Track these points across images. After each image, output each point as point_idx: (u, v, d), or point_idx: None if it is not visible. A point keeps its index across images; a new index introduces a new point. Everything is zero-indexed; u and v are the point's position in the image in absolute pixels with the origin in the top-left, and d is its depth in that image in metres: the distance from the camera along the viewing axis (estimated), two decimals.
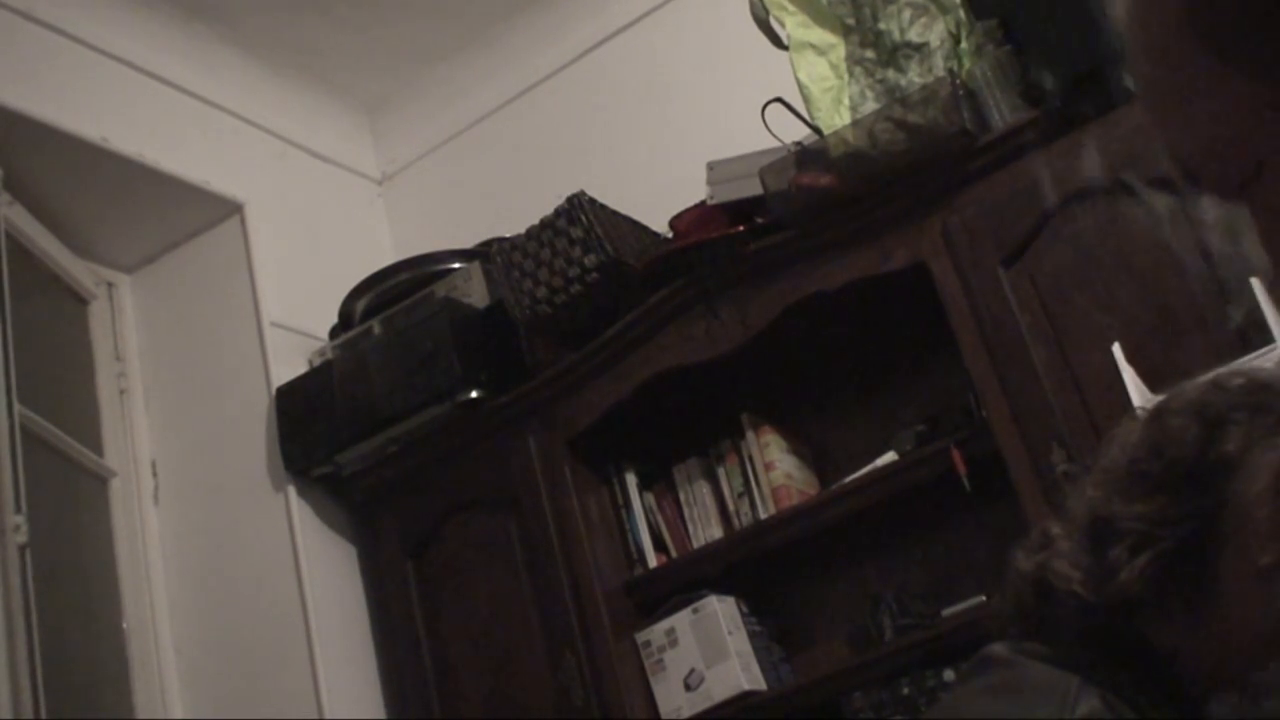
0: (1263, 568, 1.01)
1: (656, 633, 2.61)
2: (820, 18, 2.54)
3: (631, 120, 3.27)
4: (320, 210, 3.43)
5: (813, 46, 2.53)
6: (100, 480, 2.91)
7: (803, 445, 2.75)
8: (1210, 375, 1.13)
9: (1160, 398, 1.13)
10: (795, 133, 2.56)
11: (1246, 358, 1.20)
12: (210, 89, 3.21)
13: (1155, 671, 1.04)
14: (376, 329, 2.98)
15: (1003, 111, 2.35)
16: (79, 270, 3.05)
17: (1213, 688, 1.03)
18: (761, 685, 2.55)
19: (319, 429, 2.88)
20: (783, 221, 2.51)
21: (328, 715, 2.73)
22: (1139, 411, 1.16)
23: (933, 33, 2.44)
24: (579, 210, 2.67)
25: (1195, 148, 0.63)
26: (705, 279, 2.59)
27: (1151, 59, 0.63)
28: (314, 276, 3.23)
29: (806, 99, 2.52)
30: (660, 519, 2.76)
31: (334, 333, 3.11)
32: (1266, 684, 1.01)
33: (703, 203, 2.66)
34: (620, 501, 2.78)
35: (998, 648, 1.11)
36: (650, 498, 2.79)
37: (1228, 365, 1.17)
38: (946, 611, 2.49)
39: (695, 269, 2.59)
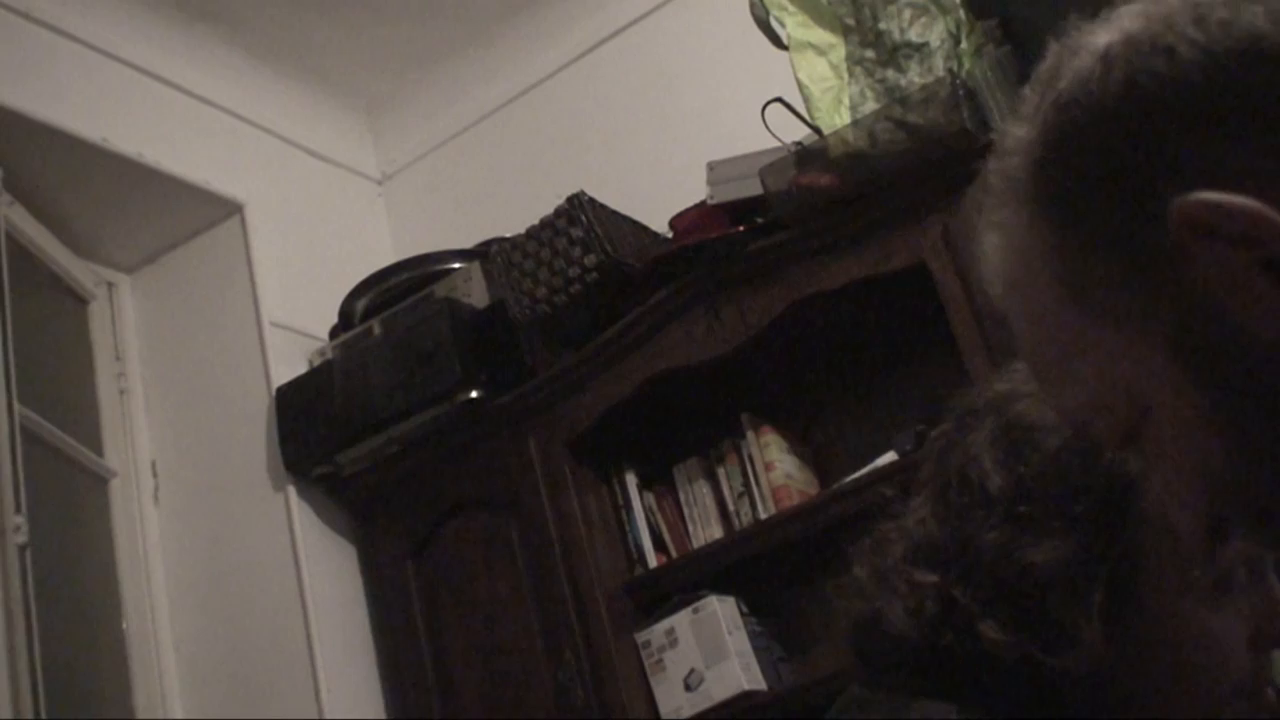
0: (1180, 583, 0.96)
1: (656, 633, 2.61)
2: (820, 18, 2.54)
3: (631, 120, 3.27)
4: (320, 210, 3.43)
5: (813, 46, 2.53)
6: (100, 480, 2.91)
7: (803, 445, 2.74)
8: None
9: (998, 404, 1.03)
10: (795, 133, 2.56)
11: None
12: (210, 89, 3.21)
13: (1058, 697, 0.97)
14: (376, 329, 2.98)
15: (1003, 111, 2.34)
16: (79, 270, 3.05)
17: (1132, 710, 0.98)
18: (761, 685, 2.55)
19: (319, 429, 2.88)
20: (783, 221, 2.51)
21: (328, 715, 2.73)
22: (968, 420, 1.04)
23: (933, 33, 2.44)
24: (579, 210, 2.67)
25: (1082, 404, 0.70)
26: (705, 279, 2.58)
27: (1032, 325, 0.71)
28: (314, 276, 3.23)
29: (806, 99, 2.52)
30: (660, 519, 2.76)
31: (334, 333, 3.11)
32: None
33: (703, 203, 2.66)
34: (620, 501, 2.77)
35: (859, 690, 1.03)
36: (650, 498, 2.79)
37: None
38: None
39: (695, 269, 2.59)
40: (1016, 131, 0.69)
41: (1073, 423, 0.71)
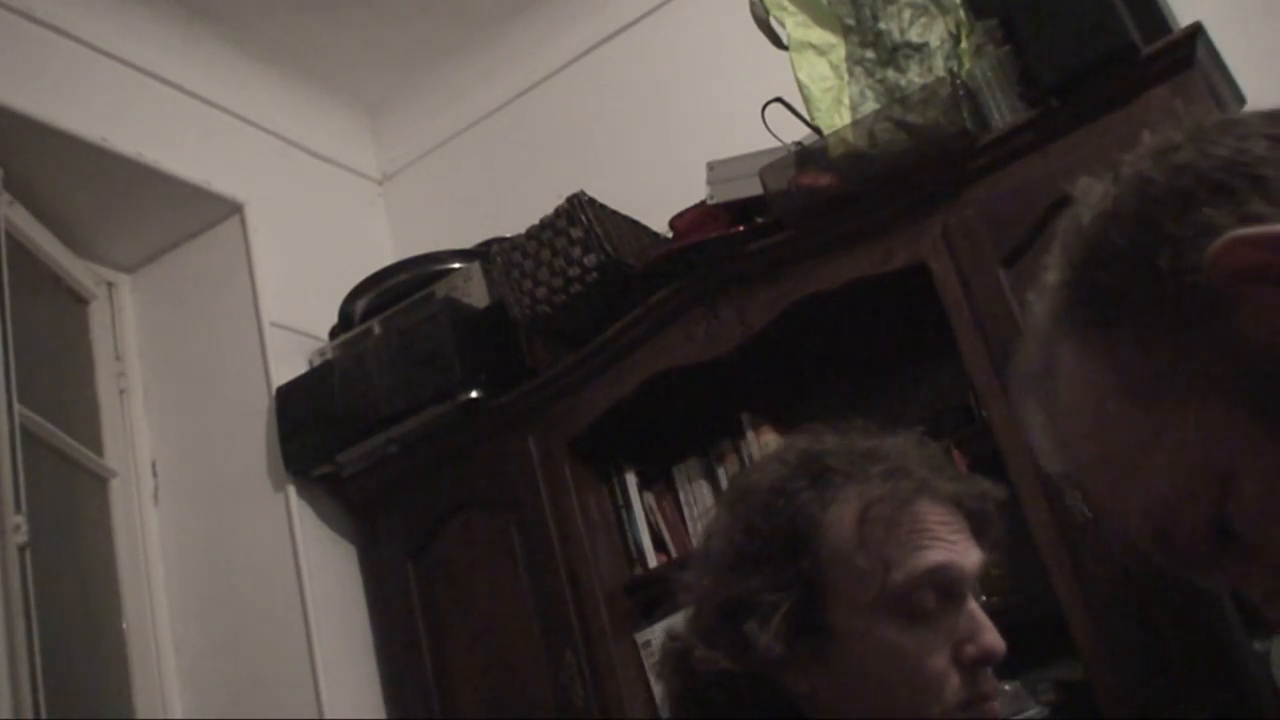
0: (866, 604, 1.15)
1: (656, 633, 2.61)
2: (820, 18, 2.54)
3: (631, 120, 3.27)
4: (320, 210, 3.43)
5: (813, 46, 2.53)
6: (100, 480, 2.91)
7: None
8: (776, 452, 1.34)
9: (734, 483, 1.33)
10: (795, 133, 2.56)
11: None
12: (210, 89, 3.21)
13: (795, 714, 1.17)
14: (376, 329, 2.98)
15: (1003, 111, 2.35)
16: (79, 270, 3.05)
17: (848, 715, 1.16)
18: None
19: (319, 429, 2.89)
20: (783, 221, 2.51)
21: (328, 715, 2.73)
22: (721, 501, 1.34)
23: (933, 33, 2.44)
24: (579, 210, 2.67)
25: (1161, 500, 0.69)
26: (705, 279, 2.58)
27: (1095, 444, 0.71)
28: (314, 276, 3.23)
29: (806, 99, 2.52)
30: (660, 519, 2.76)
31: (334, 333, 3.11)
32: None
33: (703, 203, 2.66)
34: (620, 501, 2.78)
35: None
36: (650, 498, 2.79)
37: (796, 440, 1.36)
38: None
39: (695, 269, 2.59)
40: (1047, 279, 0.73)
41: (1154, 528, 0.70)
